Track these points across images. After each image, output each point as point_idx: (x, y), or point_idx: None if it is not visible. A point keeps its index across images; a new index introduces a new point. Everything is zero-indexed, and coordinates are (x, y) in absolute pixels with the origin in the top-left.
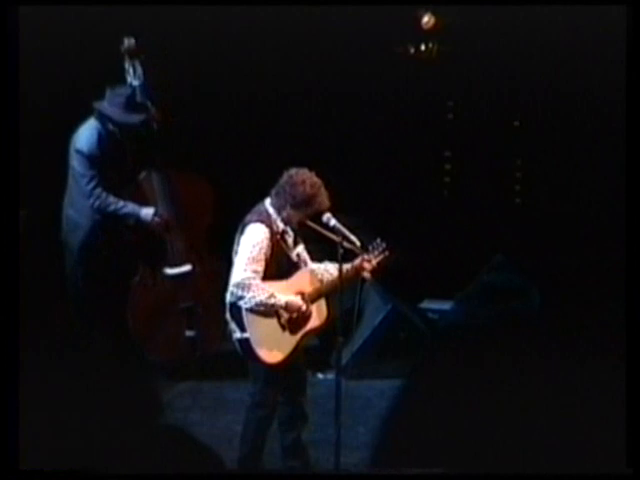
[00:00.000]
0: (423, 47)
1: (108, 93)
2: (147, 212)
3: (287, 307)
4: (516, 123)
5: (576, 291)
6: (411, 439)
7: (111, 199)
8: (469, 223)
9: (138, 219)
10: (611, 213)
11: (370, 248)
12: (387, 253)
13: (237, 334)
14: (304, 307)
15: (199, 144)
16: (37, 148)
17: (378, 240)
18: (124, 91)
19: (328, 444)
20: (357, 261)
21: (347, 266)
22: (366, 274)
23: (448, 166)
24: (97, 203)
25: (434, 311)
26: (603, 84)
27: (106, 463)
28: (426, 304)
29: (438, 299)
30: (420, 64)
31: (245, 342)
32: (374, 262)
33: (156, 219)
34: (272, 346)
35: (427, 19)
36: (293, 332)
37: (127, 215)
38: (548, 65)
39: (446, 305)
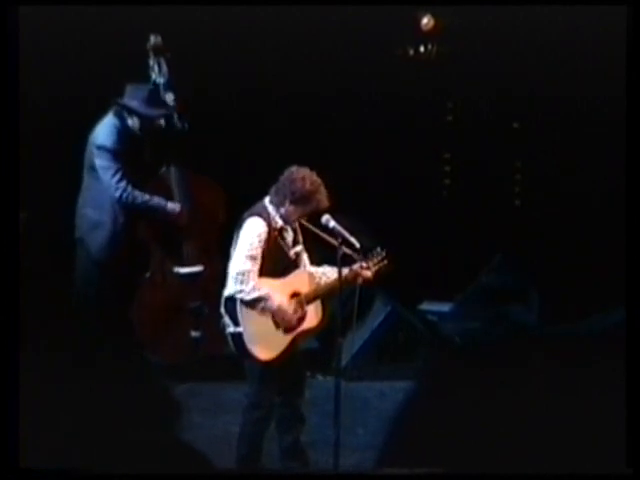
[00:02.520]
0: (422, 48)
1: (129, 88)
2: (174, 206)
3: (277, 311)
4: (515, 124)
5: (576, 292)
6: (411, 440)
7: (137, 192)
8: (468, 225)
9: (165, 212)
10: (611, 214)
11: (369, 255)
12: (386, 262)
13: (230, 328)
14: (293, 320)
15: (214, 145)
16: (37, 149)
17: (378, 248)
18: (146, 86)
19: (327, 445)
20: (355, 267)
21: (345, 271)
22: (365, 277)
23: (447, 168)
24: (124, 195)
25: (433, 313)
26: (603, 84)
27: (106, 463)
28: (425, 306)
29: (437, 301)
30: (419, 65)
31: (238, 337)
32: (372, 270)
33: (183, 214)
34: (265, 343)
35: (426, 21)
36: (287, 331)
37: (154, 208)
38: (548, 66)
39: (445, 307)
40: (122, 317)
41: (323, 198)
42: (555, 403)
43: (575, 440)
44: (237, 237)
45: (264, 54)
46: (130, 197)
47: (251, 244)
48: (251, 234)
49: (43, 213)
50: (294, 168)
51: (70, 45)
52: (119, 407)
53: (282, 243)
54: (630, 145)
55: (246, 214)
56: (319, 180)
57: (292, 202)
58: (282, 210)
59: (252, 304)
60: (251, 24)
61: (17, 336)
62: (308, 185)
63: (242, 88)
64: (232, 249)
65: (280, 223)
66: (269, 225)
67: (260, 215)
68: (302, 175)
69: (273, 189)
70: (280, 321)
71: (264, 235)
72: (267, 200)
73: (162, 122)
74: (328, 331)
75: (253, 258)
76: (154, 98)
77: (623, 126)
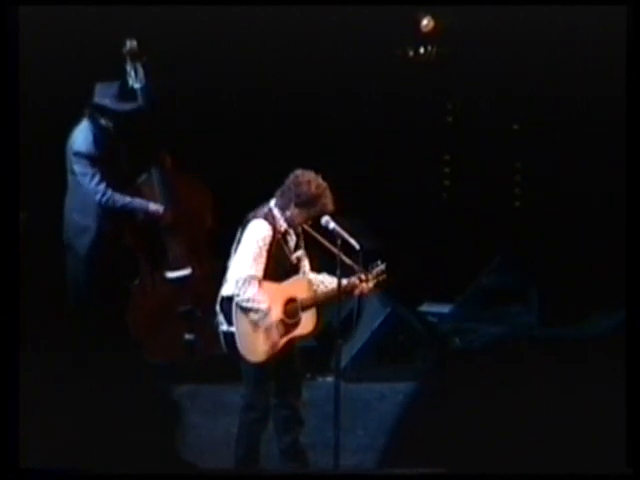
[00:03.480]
0: (422, 50)
1: (98, 87)
2: (156, 207)
3: (265, 329)
4: (515, 125)
5: (576, 293)
6: (412, 441)
7: (117, 195)
8: (468, 226)
9: (147, 213)
10: (611, 215)
11: (369, 268)
12: (385, 276)
13: (224, 327)
14: (277, 344)
15: (198, 147)
16: (37, 149)
17: (378, 262)
18: (115, 82)
19: (327, 447)
20: (354, 279)
21: (344, 282)
22: (363, 290)
23: (447, 169)
24: (104, 199)
25: (433, 314)
26: (603, 84)
27: (105, 464)
28: (425, 307)
29: (437, 302)
30: (419, 67)
31: (230, 336)
32: (371, 283)
33: (166, 214)
34: (256, 345)
35: (426, 22)
36: (280, 335)
37: (136, 210)
38: (548, 66)
39: (445, 308)
40: (116, 319)
41: (328, 202)
42: (555, 403)
43: (575, 440)
44: (240, 239)
45: (264, 54)
46: (110, 200)
47: (255, 247)
48: (256, 237)
49: (43, 213)
50: (299, 171)
51: (70, 45)
52: (119, 408)
53: (285, 247)
54: (630, 145)
55: (250, 215)
56: (325, 184)
57: (297, 205)
58: (287, 213)
59: (250, 310)
60: (251, 24)
61: (17, 336)
62: (314, 189)
63: (241, 88)
64: (233, 250)
65: (285, 226)
66: (274, 228)
67: (265, 218)
68: (308, 179)
69: (278, 192)
70: (264, 336)
71: (269, 239)
72: (272, 203)
73: (137, 119)
74: (327, 332)
75: (257, 262)
76: (125, 93)
77: (623, 126)
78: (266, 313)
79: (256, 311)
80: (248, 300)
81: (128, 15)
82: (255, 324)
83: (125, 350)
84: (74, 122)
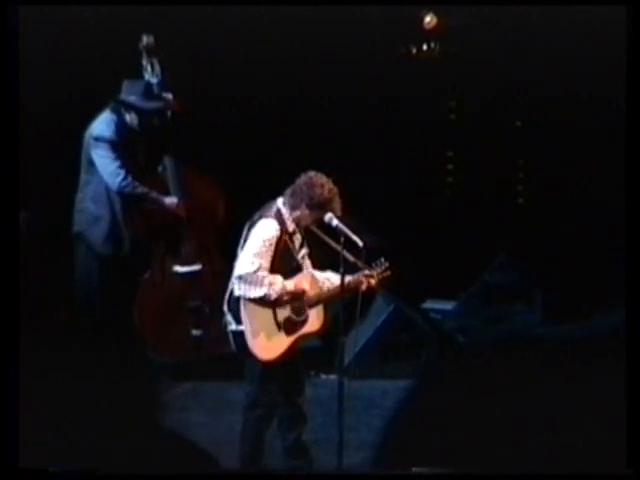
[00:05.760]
0: (425, 47)
1: (126, 84)
2: (171, 200)
3: (292, 293)
4: (518, 123)
5: (578, 291)
6: (414, 439)
7: (136, 183)
8: (471, 223)
9: (162, 204)
10: (613, 213)
11: (373, 265)
12: (389, 273)
13: (232, 326)
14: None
15: (211, 144)
16: (37, 149)
17: (382, 259)
18: (142, 81)
19: (331, 444)
20: (359, 276)
21: (349, 278)
22: (369, 285)
23: (450, 166)
24: (124, 183)
25: (437, 311)
26: (603, 84)
27: (107, 463)
28: (429, 304)
29: (441, 299)
30: (422, 64)
31: (239, 335)
32: (376, 279)
33: (180, 206)
34: (265, 343)
35: (429, 19)
36: (288, 333)
37: (152, 200)
38: (549, 65)
39: (449, 305)
40: (123, 313)
41: (338, 207)
42: (555, 403)
43: (575, 440)
44: (247, 237)
45: (265, 54)
46: (130, 186)
47: (261, 246)
48: (264, 236)
49: (43, 212)
50: (312, 173)
51: (70, 45)
52: (120, 407)
53: (291, 247)
54: (630, 144)
55: (259, 214)
56: (336, 188)
57: (308, 207)
58: (296, 214)
59: (263, 300)
60: (252, 24)
61: (17, 336)
62: (326, 192)
63: (243, 88)
64: (239, 248)
65: (292, 227)
66: (282, 228)
67: (275, 217)
68: (321, 182)
69: (289, 191)
70: (289, 316)
71: (276, 239)
72: (280, 202)
73: (160, 117)
74: (331, 330)
75: (262, 260)
76: (151, 92)
77: (623, 126)
78: (278, 291)
79: (268, 296)
80: (254, 293)
81: (128, 15)
82: (267, 313)
83: (127, 348)
84: (74, 121)
